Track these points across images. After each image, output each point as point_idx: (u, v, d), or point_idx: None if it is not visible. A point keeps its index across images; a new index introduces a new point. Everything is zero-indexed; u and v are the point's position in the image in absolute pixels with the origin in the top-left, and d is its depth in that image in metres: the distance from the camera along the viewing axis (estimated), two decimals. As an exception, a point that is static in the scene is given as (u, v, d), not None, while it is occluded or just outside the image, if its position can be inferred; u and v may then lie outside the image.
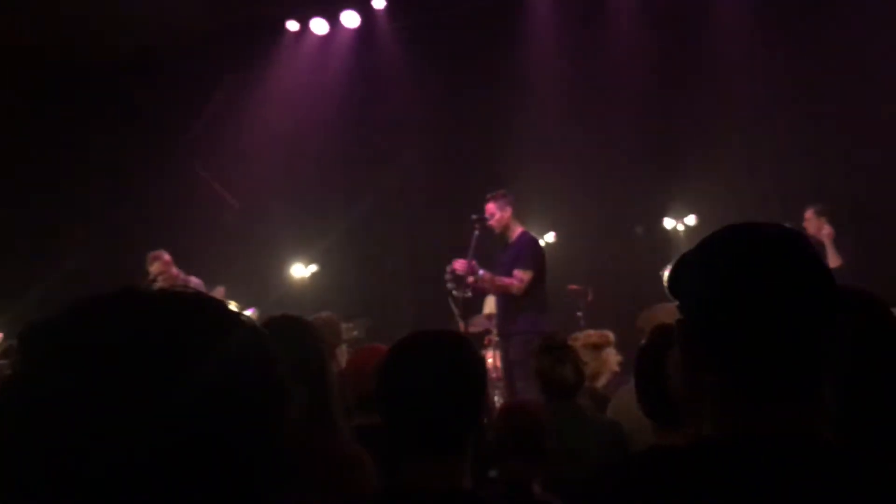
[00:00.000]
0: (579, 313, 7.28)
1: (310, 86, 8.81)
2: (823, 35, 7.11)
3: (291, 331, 2.20)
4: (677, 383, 1.77)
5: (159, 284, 5.53)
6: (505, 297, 5.80)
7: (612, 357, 4.15)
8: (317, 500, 1.91)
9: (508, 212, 5.84)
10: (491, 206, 5.85)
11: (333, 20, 8.72)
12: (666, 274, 6.35)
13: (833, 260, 6.46)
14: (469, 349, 1.68)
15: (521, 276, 5.67)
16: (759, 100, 7.37)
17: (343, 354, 4.95)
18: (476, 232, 5.71)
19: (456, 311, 5.75)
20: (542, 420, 2.66)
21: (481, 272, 5.66)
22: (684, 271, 1.15)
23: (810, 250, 1.10)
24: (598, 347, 4.01)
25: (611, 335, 4.20)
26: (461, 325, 5.71)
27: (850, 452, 1.05)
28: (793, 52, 7.30)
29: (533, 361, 3.41)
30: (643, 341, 2.21)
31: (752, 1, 7.57)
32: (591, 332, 4.13)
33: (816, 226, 6.62)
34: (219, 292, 7.23)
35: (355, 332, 7.08)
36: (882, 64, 6.79)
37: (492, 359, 6.30)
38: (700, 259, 1.13)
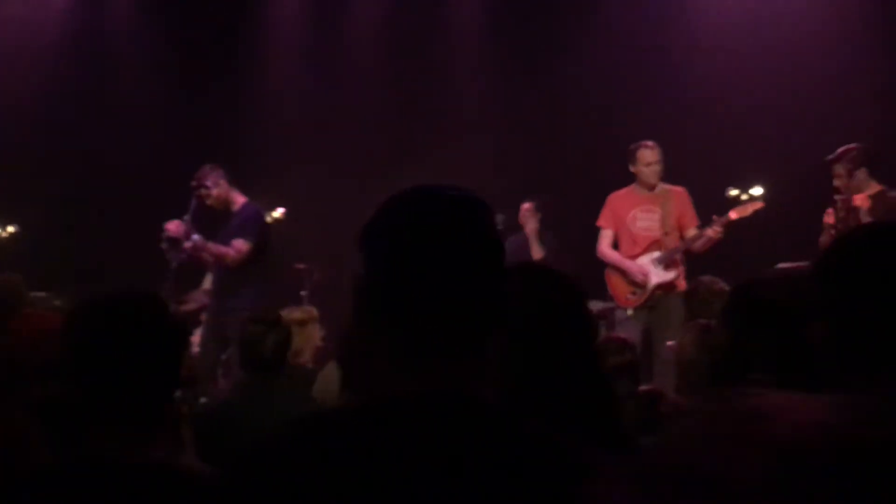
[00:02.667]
0: (303, 292, 7.27)
1: (25, 31, 7.99)
2: (546, 36, 7.70)
3: None
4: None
5: None
6: (223, 270, 5.57)
7: (316, 333, 4.22)
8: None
9: (223, 184, 5.57)
10: (200, 184, 5.51)
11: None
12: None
13: (536, 253, 7.02)
14: (161, 310, 1.60)
15: (239, 247, 5.44)
16: (485, 95, 7.82)
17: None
18: (194, 200, 5.48)
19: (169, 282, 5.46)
20: None
21: (195, 237, 5.38)
22: (368, 226, 1.15)
23: (485, 216, 1.12)
24: (302, 324, 4.04)
25: (315, 311, 4.27)
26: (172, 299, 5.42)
27: (506, 413, 1.08)
28: (519, 51, 7.83)
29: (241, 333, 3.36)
30: None
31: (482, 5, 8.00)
32: (295, 308, 4.16)
33: (531, 219, 7.11)
34: None
35: (57, 303, 6.53)
36: (599, 64, 7.46)
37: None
38: (378, 216, 1.13)
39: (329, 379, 3.65)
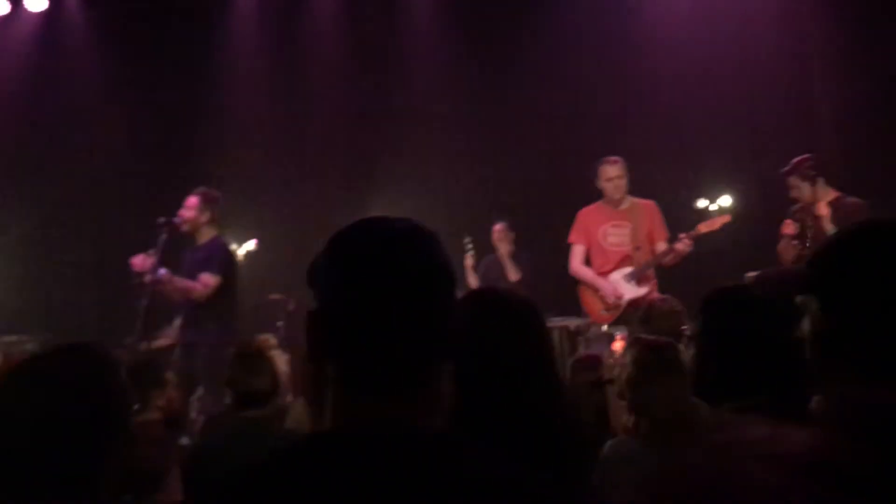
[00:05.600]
0: (279, 323, 7.21)
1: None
2: (514, 48, 7.68)
3: None
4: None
5: None
6: (191, 305, 5.49)
7: (279, 359, 4.22)
8: None
9: (207, 216, 5.53)
10: (193, 200, 5.50)
11: (16, 1, 7.94)
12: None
13: (512, 274, 6.98)
14: (90, 371, 1.58)
15: (206, 281, 5.36)
16: (452, 117, 7.80)
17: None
18: (163, 236, 5.43)
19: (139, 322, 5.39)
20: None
21: (161, 271, 5.30)
22: (317, 261, 1.14)
23: (431, 246, 1.11)
24: None
25: (272, 339, 4.24)
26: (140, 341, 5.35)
27: (460, 445, 1.06)
28: (483, 65, 7.80)
29: (227, 370, 3.32)
30: None
31: (445, 14, 8.01)
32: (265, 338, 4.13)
33: (504, 240, 7.06)
34: None
35: (28, 346, 6.44)
36: (566, 80, 7.46)
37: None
38: (327, 249, 1.13)
39: (301, 411, 3.62)
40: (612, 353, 4.47)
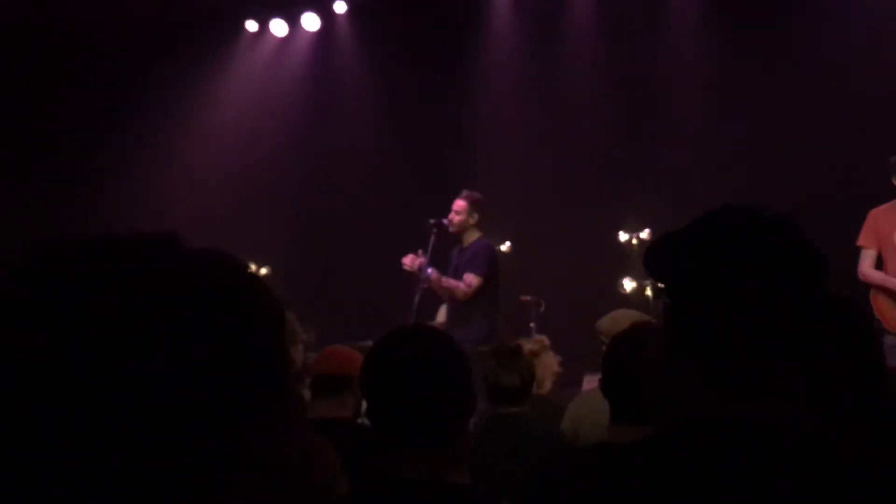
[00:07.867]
0: (532, 324, 7.27)
1: (266, 88, 8.74)
2: (777, 45, 7.19)
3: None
4: (651, 372, 1.75)
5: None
6: (455, 303, 5.74)
7: (551, 360, 4.26)
8: (288, 486, 1.91)
9: (475, 218, 5.78)
10: (461, 204, 5.75)
11: (293, 22, 8.67)
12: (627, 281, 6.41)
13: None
14: (450, 343, 1.73)
15: (470, 281, 5.60)
16: (710, 111, 7.45)
17: (299, 354, 4.89)
18: (433, 237, 5.68)
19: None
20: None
21: (429, 270, 5.57)
22: (668, 249, 1.11)
23: (803, 237, 1.07)
24: (536, 355, 4.05)
25: (545, 340, 4.31)
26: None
27: (826, 439, 1.02)
28: (745, 62, 7.38)
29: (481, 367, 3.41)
30: (610, 337, 2.20)
31: (704, 10, 7.66)
32: (524, 340, 4.18)
33: None
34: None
35: (304, 336, 6.98)
36: (835, 77, 6.89)
37: None
38: (688, 237, 1.09)
39: (582, 411, 3.59)
40: None
